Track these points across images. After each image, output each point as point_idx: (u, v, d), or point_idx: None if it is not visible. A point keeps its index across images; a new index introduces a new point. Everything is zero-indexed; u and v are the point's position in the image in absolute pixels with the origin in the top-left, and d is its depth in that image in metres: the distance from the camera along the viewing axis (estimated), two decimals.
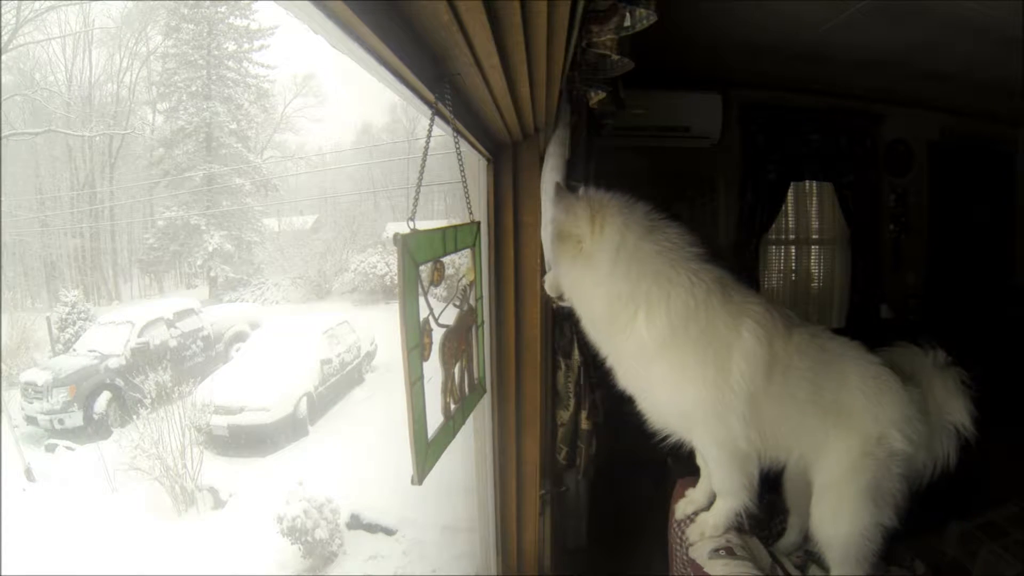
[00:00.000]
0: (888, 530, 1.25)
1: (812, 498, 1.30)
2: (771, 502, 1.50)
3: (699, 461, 1.45)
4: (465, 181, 1.27)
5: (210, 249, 12.21)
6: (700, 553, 1.31)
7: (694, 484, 1.45)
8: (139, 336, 8.14)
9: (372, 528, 5.25)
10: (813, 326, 1.33)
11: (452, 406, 1.21)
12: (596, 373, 1.80)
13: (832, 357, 1.28)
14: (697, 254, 1.24)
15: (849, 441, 1.25)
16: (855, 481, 1.23)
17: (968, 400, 1.30)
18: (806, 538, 1.45)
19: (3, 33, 10.70)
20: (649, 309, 1.20)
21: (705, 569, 1.27)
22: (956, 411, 1.31)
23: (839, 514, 1.25)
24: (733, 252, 3.27)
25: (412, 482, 0.99)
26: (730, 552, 1.28)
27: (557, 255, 1.28)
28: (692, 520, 1.41)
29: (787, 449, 1.31)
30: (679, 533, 1.44)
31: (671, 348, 1.20)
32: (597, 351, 1.35)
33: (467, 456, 1.91)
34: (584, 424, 1.85)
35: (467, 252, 1.31)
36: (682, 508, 1.46)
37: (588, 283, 1.23)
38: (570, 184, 1.56)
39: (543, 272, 1.66)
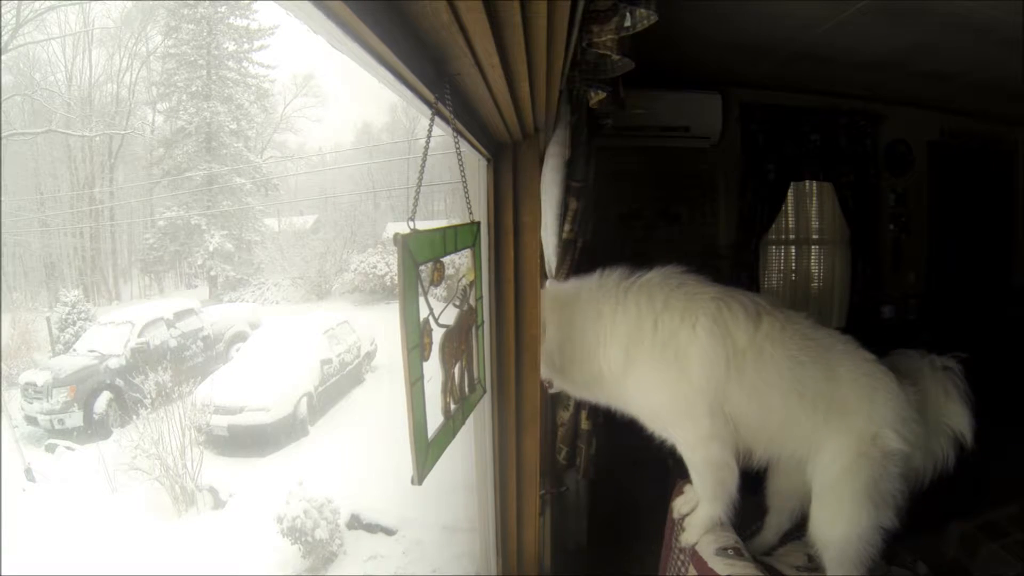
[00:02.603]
0: (888, 531, 1.25)
1: (812, 500, 1.29)
2: (753, 504, 1.50)
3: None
4: (465, 181, 1.26)
5: (210, 249, 12.21)
6: (707, 551, 1.31)
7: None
8: (139, 336, 8.13)
9: (372, 528, 5.25)
10: (790, 312, 1.33)
11: (452, 406, 1.21)
12: None
13: (817, 347, 1.28)
14: (623, 280, 1.37)
15: (844, 440, 1.24)
16: (852, 482, 1.22)
17: (966, 407, 1.29)
18: (784, 539, 1.44)
19: (3, 33, 10.69)
20: (603, 349, 1.34)
21: (709, 565, 1.27)
22: (954, 416, 1.29)
23: (837, 516, 1.24)
24: (733, 252, 3.27)
25: (412, 482, 0.99)
26: (737, 552, 1.28)
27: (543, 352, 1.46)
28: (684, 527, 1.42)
29: (778, 445, 1.31)
30: (678, 531, 1.44)
31: (634, 366, 1.31)
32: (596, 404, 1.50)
33: (467, 456, 1.91)
34: (584, 424, 1.85)
35: (467, 252, 1.31)
36: (679, 507, 1.47)
37: (562, 362, 1.43)
38: (570, 185, 1.56)
39: (543, 273, 1.66)
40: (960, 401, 1.29)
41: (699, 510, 1.36)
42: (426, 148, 1.02)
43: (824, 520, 1.26)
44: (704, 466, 1.30)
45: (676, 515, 1.48)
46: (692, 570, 1.35)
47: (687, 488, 1.47)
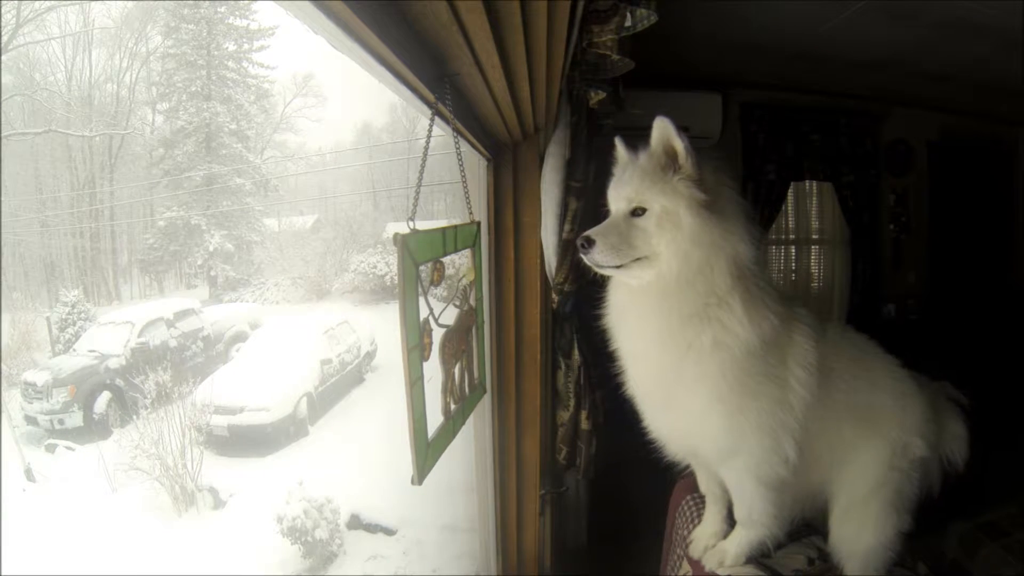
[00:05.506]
0: (904, 533, 1.21)
1: (833, 513, 1.23)
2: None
3: (704, 487, 1.34)
4: (465, 181, 1.26)
5: (210, 249, 12.22)
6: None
7: (694, 483, 1.43)
8: (139, 336, 8.13)
9: (372, 528, 5.26)
10: (833, 321, 1.27)
11: (452, 406, 1.21)
12: (596, 373, 1.80)
13: (861, 355, 1.21)
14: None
15: (878, 453, 1.17)
16: (881, 496, 1.17)
17: (960, 422, 1.25)
18: (792, 536, 1.38)
19: (3, 33, 10.69)
20: (750, 297, 1.00)
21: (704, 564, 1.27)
22: (952, 440, 1.26)
23: (864, 529, 1.18)
24: None
25: (412, 482, 0.99)
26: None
27: (648, 183, 1.10)
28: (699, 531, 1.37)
29: (818, 468, 1.18)
30: (682, 533, 1.43)
31: (752, 357, 1.02)
32: (616, 351, 1.16)
33: (467, 456, 1.91)
34: (584, 424, 1.85)
35: (467, 252, 1.31)
36: (703, 539, 1.34)
37: (703, 233, 0.99)
38: (570, 185, 1.56)
39: (543, 272, 1.66)
40: (960, 424, 1.25)
41: (741, 534, 1.23)
42: (426, 148, 1.02)
43: (851, 533, 1.20)
44: (766, 492, 1.14)
45: (697, 551, 1.31)
46: (687, 568, 1.34)
47: (696, 532, 1.36)
